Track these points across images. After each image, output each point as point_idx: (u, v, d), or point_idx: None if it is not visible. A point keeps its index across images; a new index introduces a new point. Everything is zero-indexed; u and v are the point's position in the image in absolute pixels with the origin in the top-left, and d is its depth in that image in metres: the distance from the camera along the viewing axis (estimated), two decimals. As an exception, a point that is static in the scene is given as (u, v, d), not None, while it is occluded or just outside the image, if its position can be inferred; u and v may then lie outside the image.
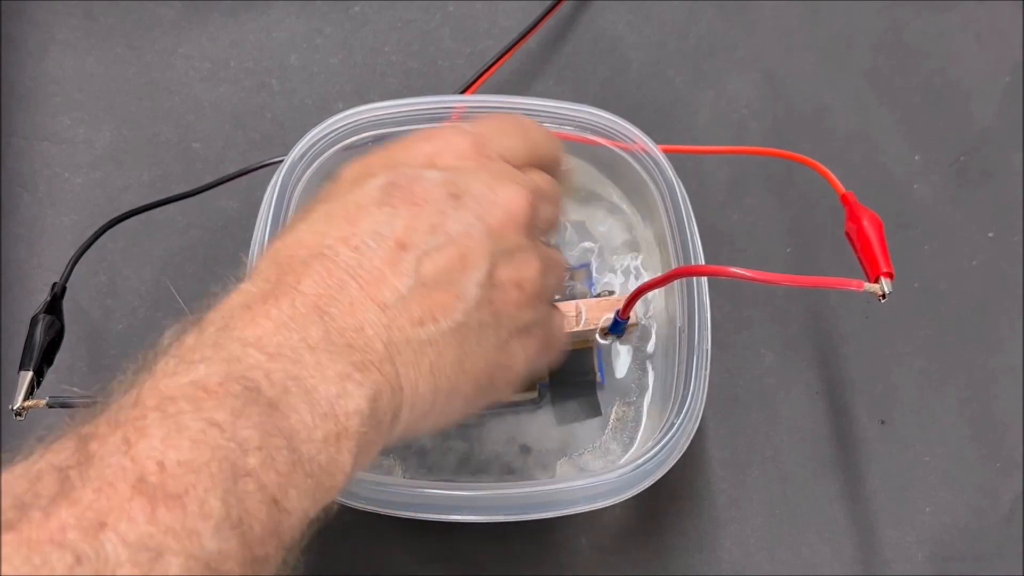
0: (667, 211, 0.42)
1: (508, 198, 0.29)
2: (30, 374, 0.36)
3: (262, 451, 0.22)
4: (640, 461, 0.37)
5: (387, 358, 0.25)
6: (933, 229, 0.51)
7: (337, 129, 0.42)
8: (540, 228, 0.31)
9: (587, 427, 0.42)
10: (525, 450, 0.42)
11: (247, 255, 0.39)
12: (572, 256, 0.45)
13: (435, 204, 0.27)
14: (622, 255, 0.45)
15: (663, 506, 0.46)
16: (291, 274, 0.25)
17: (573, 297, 0.44)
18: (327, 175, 0.44)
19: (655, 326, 0.44)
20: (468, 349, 0.27)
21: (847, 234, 0.36)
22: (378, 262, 0.26)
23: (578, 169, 0.46)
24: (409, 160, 0.29)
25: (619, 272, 0.45)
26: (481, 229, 0.27)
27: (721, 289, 0.47)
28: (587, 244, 0.45)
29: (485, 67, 0.48)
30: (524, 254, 0.29)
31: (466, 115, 0.43)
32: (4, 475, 0.20)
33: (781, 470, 0.47)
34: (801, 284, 0.32)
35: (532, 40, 0.51)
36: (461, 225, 0.27)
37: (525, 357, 0.30)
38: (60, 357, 0.39)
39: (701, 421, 0.38)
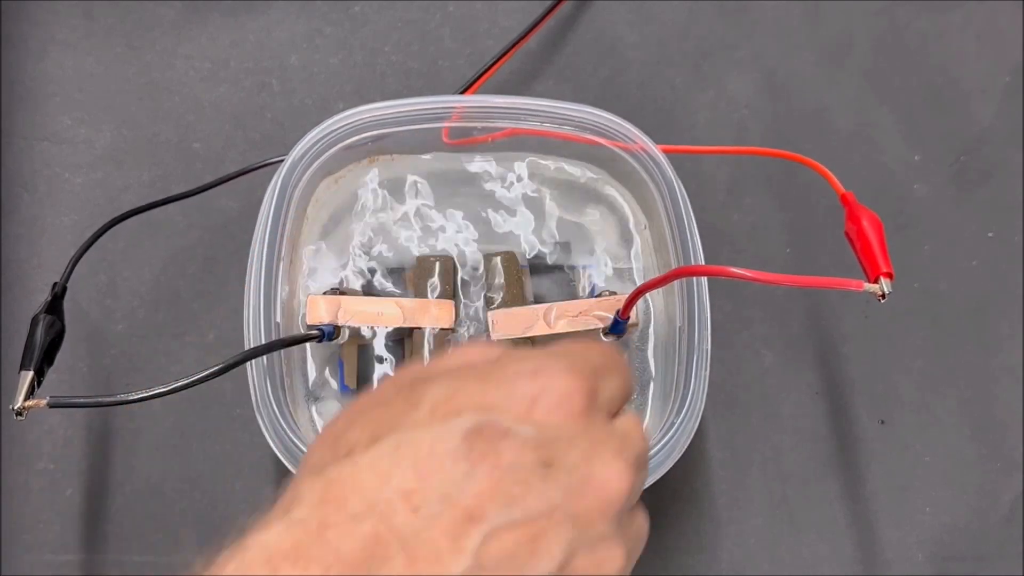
0: (667, 211, 0.42)
1: (607, 478, 0.24)
2: (31, 374, 0.36)
3: None
4: (640, 461, 0.37)
5: None
6: (933, 229, 0.51)
7: (337, 129, 0.42)
8: (633, 496, 0.26)
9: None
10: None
11: (247, 256, 0.40)
12: (574, 256, 0.45)
13: (520, 471, 0.23)
14: (622, 255, 0.45)
15: (663, 506, 0.46)
16: (335, 528, 0.21)
17: (574, 297, 0.44)
18: (327, 175, 0.44)
19: (655, 326, 0.44)
20: None
21: (847, 234, 0.36)
22: (437, 533, 0.22)
23: (578, 169, 0.46)
24: (504, 402, 0.24)
25: (619, 272, 0.45)
26: (566, 511, 0.23)
27: (721, 289, 0.47)
28: (588, 244, 0.45)
29: (485, 67, 0.48)
30: (609, 545, 0.24)
31: (466, 115, 0.44)
32: None
33: (781, 470, 0.47)
34: (801, 284, 0.32)
35: (532, 40, 0.51)
36: (544, 502, 0.23)
37: None
38: (60, 357, 0.39)
39: (701, 421, 0.38)
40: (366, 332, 0.42)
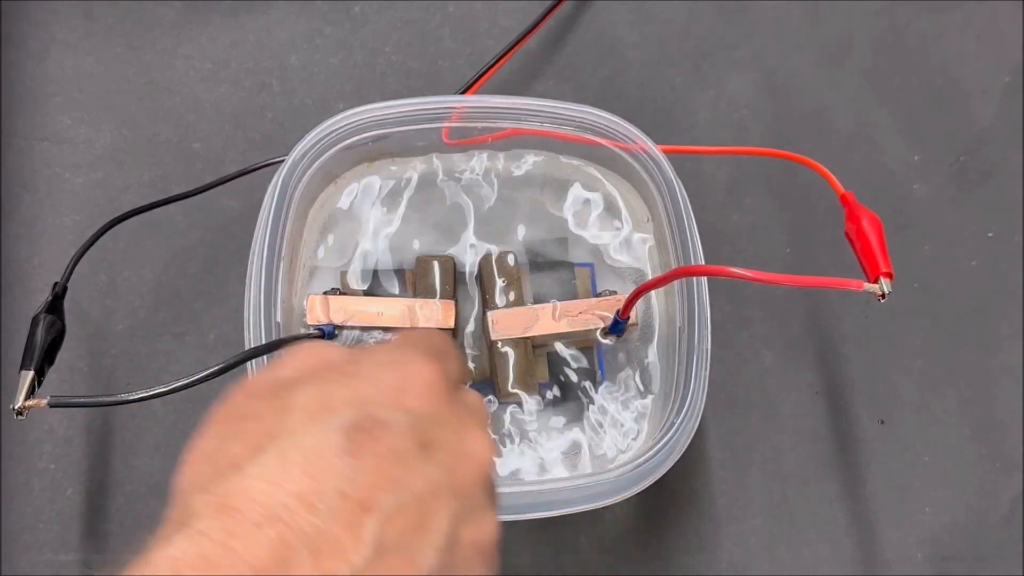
0: (667, 211, 0.42)
1: (477, 449, 0.26)
2: (31, 374, 0.36)
3: None
4: (640, 461, 0.37)
5: None
6: (933, 229, 0.51)
7: (337, 129, 0.42)
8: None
9: (587, 427, 0.42)
10: (525, 449, 0.42)
11: (247, 256, 0.40)
12: (573, 255, 0.45)
13: (401, 456, 0.24)
14: (622, 255, 0.45)
15: (663, 506, 0.46)
16: (239, 538, 0.22)
17: (575, 297, 0.44)
18: (327, 175, 0.44)
19: (655, 326, 0.44)
20: None
21: (847, 234, 0.36)
22: (337, 527, 0.23)
23: (579, 169, 0.46)
24: (374, 396, 0.26)
25: (619, 272, 0.45)
26: (447, 486, 0.25)
27: (721, 289, 0.47)
28: (588, 244, 0.45)
29: (485, 67, 0.48)
30: (485, 512, 0.26)
31: (466, 115, 0.44)
32: None
33: (781, 470, 0.47)
34: (801, 284, 0.32)
35: (532, 40, 0.51)
36: (427, 482, 0.24)
37: None
38: (61, 357, 0.39)
39: (701, 421, 0.38)
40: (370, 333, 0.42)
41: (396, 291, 0.44)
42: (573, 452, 0.42)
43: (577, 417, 0.43)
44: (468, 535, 0.25)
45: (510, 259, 0.44)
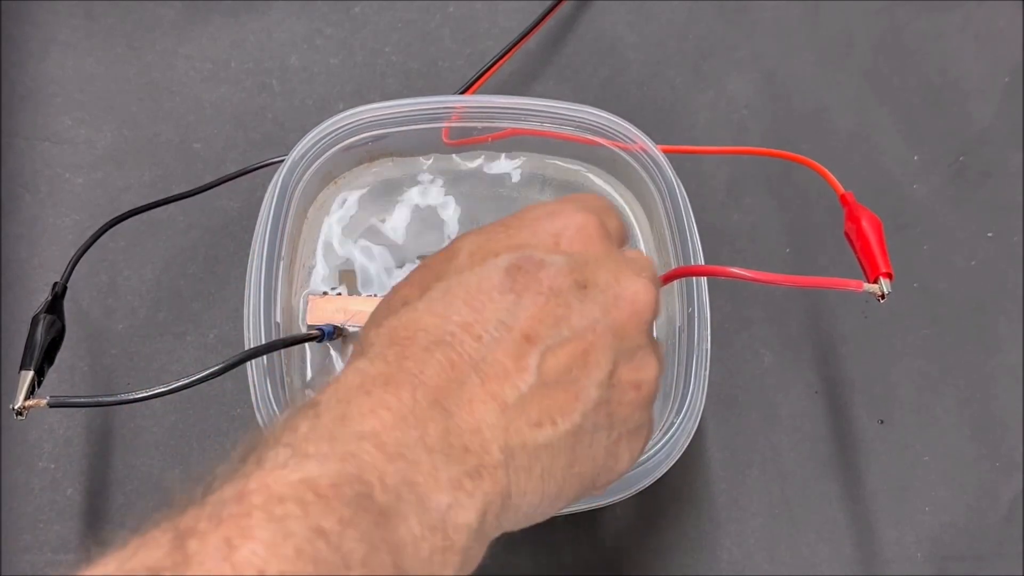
0: (667, 211, 0.42)
1: (634, 291, 0.27)
2: (31, 374, 0.36)
3: (365, 567, 0.20)
4: (640, 460, 0.37)
5: (501, 464, 0.23)
6: (932, 229, 0.51)
7: (337, 129, 0.42)
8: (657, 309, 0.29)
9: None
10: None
11: (247, 256, 0.39)
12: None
13: (561, 294, 0.25)
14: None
15: (663, 506, 0.46)
16: (412, 359, 0.24)
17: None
18: (327, 175, 0.45)
19: (655, 326, 0.44)
20: (580, 452, 0.25)
21: (846, 234, 0.36)
22: (501, 355, 0.24)
23: (578, 169, 0.46)
24: (533, 240, 0.27)
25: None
26: (606, 324, 0.26)
27: (721, 289, 0.47)
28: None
29: (485, 67, 0.48)
30: (645, 353, 0.27)
31: (466, 115, 0.44)
32: (97, 573, 0.19)
33: (781, 470, 0.47)
34: (801, 284, 0.32)
35: (532, 40, 0.51)
36: (586, 319, 0.25)
37: (630, 457, 0.28)
38: (61, 357, 0.39)
39: (701, 421, 0.38)
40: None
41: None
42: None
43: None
44: (627, 375, 0.26)
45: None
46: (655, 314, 0.28)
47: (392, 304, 0.27)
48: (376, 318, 0.27)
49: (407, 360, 0.24)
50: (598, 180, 0.46)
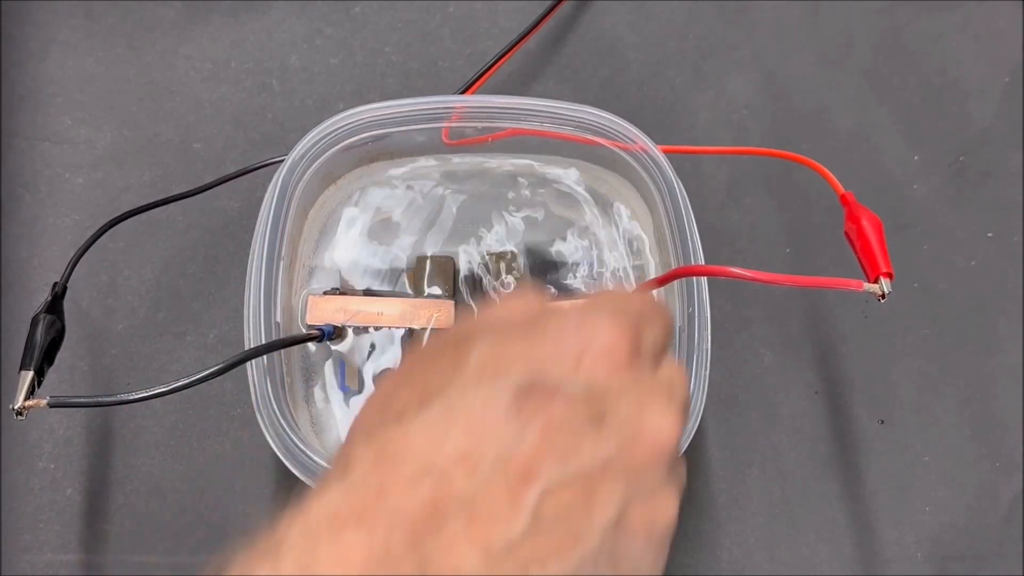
0: (667, 211, 0.42)
1: (657, 428, 0.24)
2: (31, 374, 0.36)
3: None
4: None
5: None
6: (932, 229, 0.51)
7: (337, 129, 0.42)
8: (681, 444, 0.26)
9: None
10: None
11: (247, 256, 0.39)
12: (574, 255, 0.45)
13: (572, 427, 0.23)
14: (622, 255, 0.45)
15: (663, 506, 0.46)
16: (394, 491, 0.21)
17: (574, 297, 0.44)
18: (327, 175, 0.45)
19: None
20: None
21: (846, 234, 0.36)
22: (494, 493, 0.22)
23: (578, 169, 0.46)
24: (552, 357, 0.24)
25: (619, 272, 0.45)
26: (620, 464, 0.23)
27: (721, 289, 0.47)
28: (587, 244, 0.45)
29: (485, 67, 0.48)
30: (663, 495, 0.24)
31: (466, 115, 0.44)
32: None
33: (781, 470, 0.47)
34: (801, 284, 0.32)
35: (532, 40, 0.51)
36: (597, 457, 0.23)
37: None
38: (61, 357, 0.39)
39: (701, 421, 0.38)
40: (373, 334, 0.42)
41: (396, 291, 0.44)
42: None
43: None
44: (639, 517, 0.24)
45: (510, 259, 0.44)
46: (679, 449, 0.25)
47: (386, 410, 0.24)
48: (365, 425, 0.24)
49: (389, 490, 0.22)
50: (598, 180, 0.46)
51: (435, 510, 0.21)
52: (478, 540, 0.21)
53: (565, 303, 0.26)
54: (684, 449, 0.38)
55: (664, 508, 0.24)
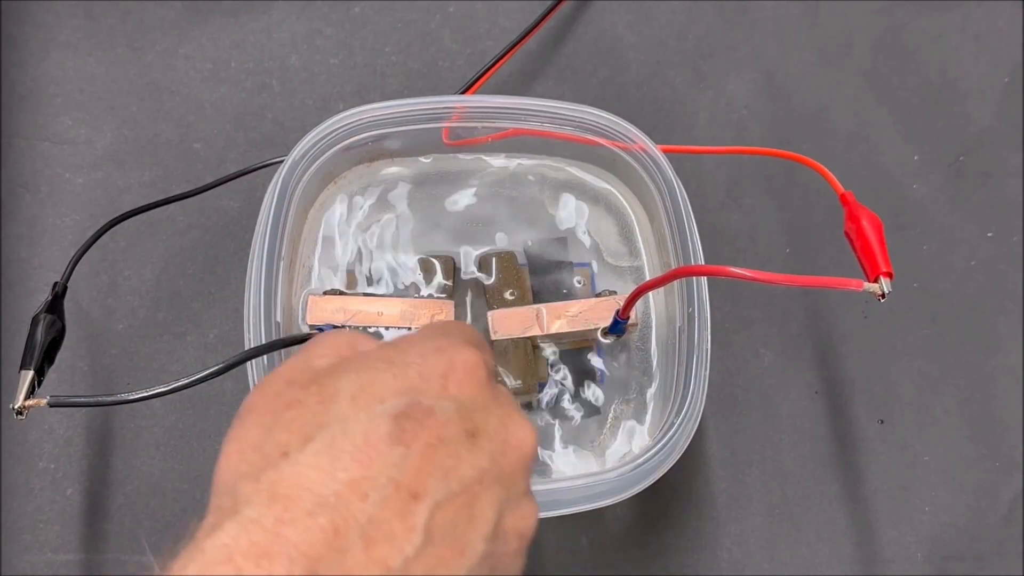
0: (667, 211, 0.42)
1: (521, 438, 0.26)
2: (31, 373, 0.36)
3: None
4: (640, 460, 0.37)
5: None
6: (932, 229, 0.51)
7: (337, 129, 0.42)
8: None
9: (587, 426, 0.42)
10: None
11: (247, 256, 0.40)
12: (573, 255, 0.45)
13: (450, 444, 0.24)
14: (622, 255, 0.45)
15: (663, 506, 0.46)
16: (292, 526, 0.22)
17: (574, 297, 0.44)
18: (327, 175, 0.45)
19: (655, 326, 0.44)
20: None
21: (846, 234, 0.36)
22: (388, 514, 0.23)
23: (578, 169, 0.46)
24: (420, 384, 0.25)
25: (619, 272, 0.45)
26: (493, 474, 0.25)
27: (721, 289, 0.47)
28: (587, 244, 0.45)
29: (485, 67, 0.48)
30: (527, 500, 0.27)
31: (466, 115, 0.44)
32: None
33: (781, 470, 0.47)
34: (801, 284, 0.32)
35: (532, 40, 0.51)
36: (474, 470, 0.24)
37: None
38: (61, 356, 0.39)
39: (701, 421, 0.38)
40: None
41: (396, 291, 0.44)
42: (573, 452, 0.42)
43: (577, 417, 0.43)
44: (511, 523, 0.25)
45: (510, 259, 0.44)
46: (535, 456, 0.27)
47: (266, 452, 0.24)
48: (244, 466, 0.24)
49: (286, 527, 0.22)
50: (598, 180, 0.46)
51: (335, 539, 0.22)
52: (377, 562, 0.22)
53: (405, 335, 0.27)
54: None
55: (530, 513, 0.26)
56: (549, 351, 0.43)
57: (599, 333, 0.43)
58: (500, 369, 0.42)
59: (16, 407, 0.35)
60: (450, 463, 0.24)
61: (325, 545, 0.22)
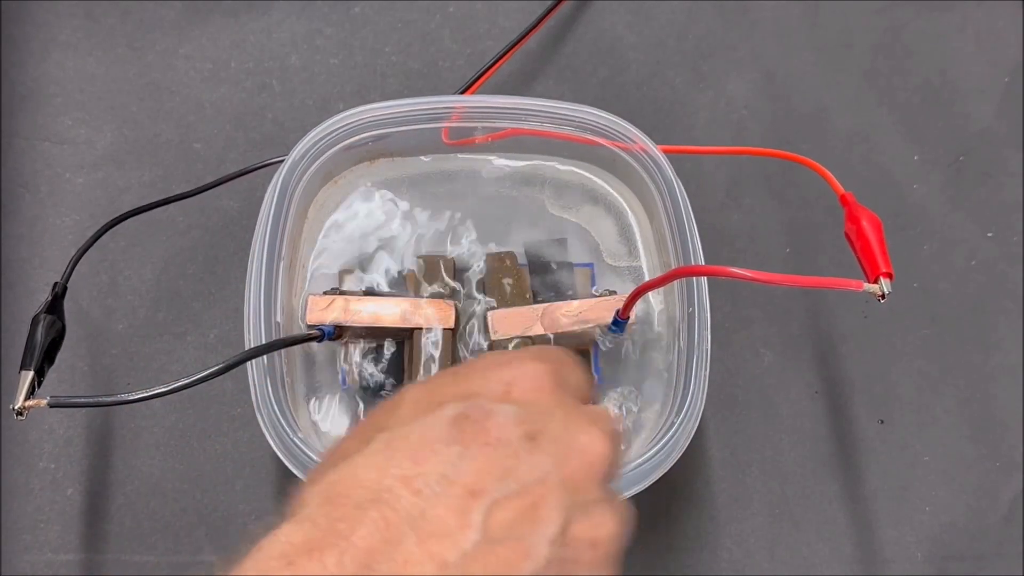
0: (667, 211, 0.42)
1: (588, 443, 0.26)
2: (31, 374, 0.36)
3: None
4: (640, 460, 0.37)
5: None
6: (932, 229, 0.51)
7: (337, 129, 0.42)
8: (612, 473, 0.27)
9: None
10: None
11: (247, 255, 0.40)
12: (574, 255, 0.45)
13: (509, 445, 0.24)
14: (622, 255, 0.45)
15: (663, 505, 0.46)
16: (344, 520, 0.22)
17: (574, 297, 0.44)
18: (327, 175, 0.45)
19: (655, 326, 0.44)
20: None
21: (846, 234, 0.36)
22: (443, 510, 0.23)
23: (578, 169, 0.46)
24: (483, 389, 0.26)
25: (619, 272, 0.45)
26: (557, 477, 0.24)
27: (721, 289, 0.47)
28: (588, 244, 0.45)
29: (485, 67, 0.48)
30: (602, 509, 0.25)
31: (466, 115, 0.44)
32: None
33: (781, 470, 0.47)
34: (801, 284, 0.32)
35: (532, 40, 0.51)
36: (536, 472, 0.24)
37: None
38: (61, 357, 0.39)
39: (701, 421, 0.38)
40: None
41: (396, 291, 0.44)
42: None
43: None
44: (582, 530, 0.25)
45: (510, 259, 0.44)
46: (613, 466, 0.26)
47: (333, 458, 0.25)
48: (315, 474, 0.25)
49: (339, 521, 0.22)
50: (598, 180, 0.46)
51: (387, 532, 0.22)
52: (432, 556, 0.22)
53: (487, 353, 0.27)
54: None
55: (605, 523, 0.25)
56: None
57: (599, 333, 0.43)
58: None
59: (16, 407, 0.35)
60: (509, 463, 0.24)
61: (378, 537, 0.22)
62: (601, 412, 0.28)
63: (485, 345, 0.43)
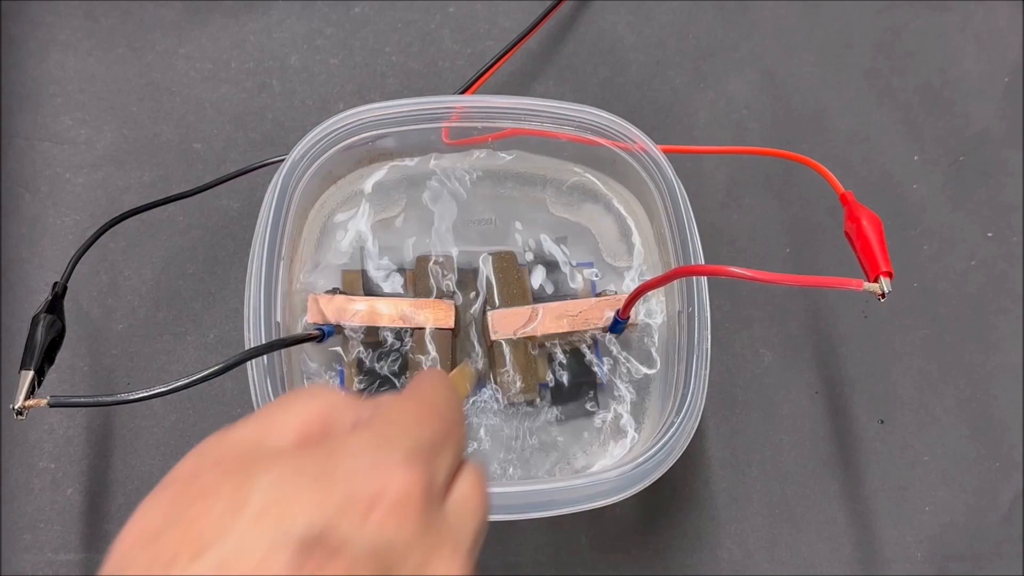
0: (667, 211, 0.42)
1: None
2: (31, 373, 0.36)
3: None
4: (640, 460, 0.37)
5: None
6: (932, 229, 0.51)
7: (337, 129, 0.42)
8: None
9: (587, 426, 0.42)
10: (526, 449, 0.42)
11: (247, 255, 0.40)
12: (574, 255, 0.45)
13: None
14: (622, 255, 0.45)
15: (663, 505, 0.46)
16: None
17: (574, 296, 0.44)
18: (327, 175, 0.45)
19: (655, 326, 0.44)
20: None
21: (846, 234, 0.36)
22: None
23: (578, 169, 0.46)
24: (341, 505, 0.23)
25: (619, 271, 0.45)
26: None
27: (721, 289, 0.47)
28: (588, 243, 0.45)
29: (485, 67, 0.48)
30: None
31: (466, 115, 0.44)
32: None
33: (781, 470, 0.47)
34: (801, 284, 0.32)
35: (532, 40, 0.51)
36: None
37: None
38: (61, 356, 0.39)
39: (701, 421, 0.38)
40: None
41: (396, 291, 0.44)
42: (573, 451, 0.42)
43: (577, 417, 0.43)
44: None
45: (510, 259, 0.44)
46: None
47: (156, 553, 0.22)
48: (132, 562, 0.22)
49: None
50: (598, 180, 0.46)
51: None
52: None
53: (361, 431, 0.25)
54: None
55: None
56: (549, 351, 0.43)
57: (599, 333, 0.43)
58: (500, 369, 0.42)
59: (16, 407, 0.35)
60: None
61: None
62: (468, 506, 0.26)
63: (481, 349, 0.43)
